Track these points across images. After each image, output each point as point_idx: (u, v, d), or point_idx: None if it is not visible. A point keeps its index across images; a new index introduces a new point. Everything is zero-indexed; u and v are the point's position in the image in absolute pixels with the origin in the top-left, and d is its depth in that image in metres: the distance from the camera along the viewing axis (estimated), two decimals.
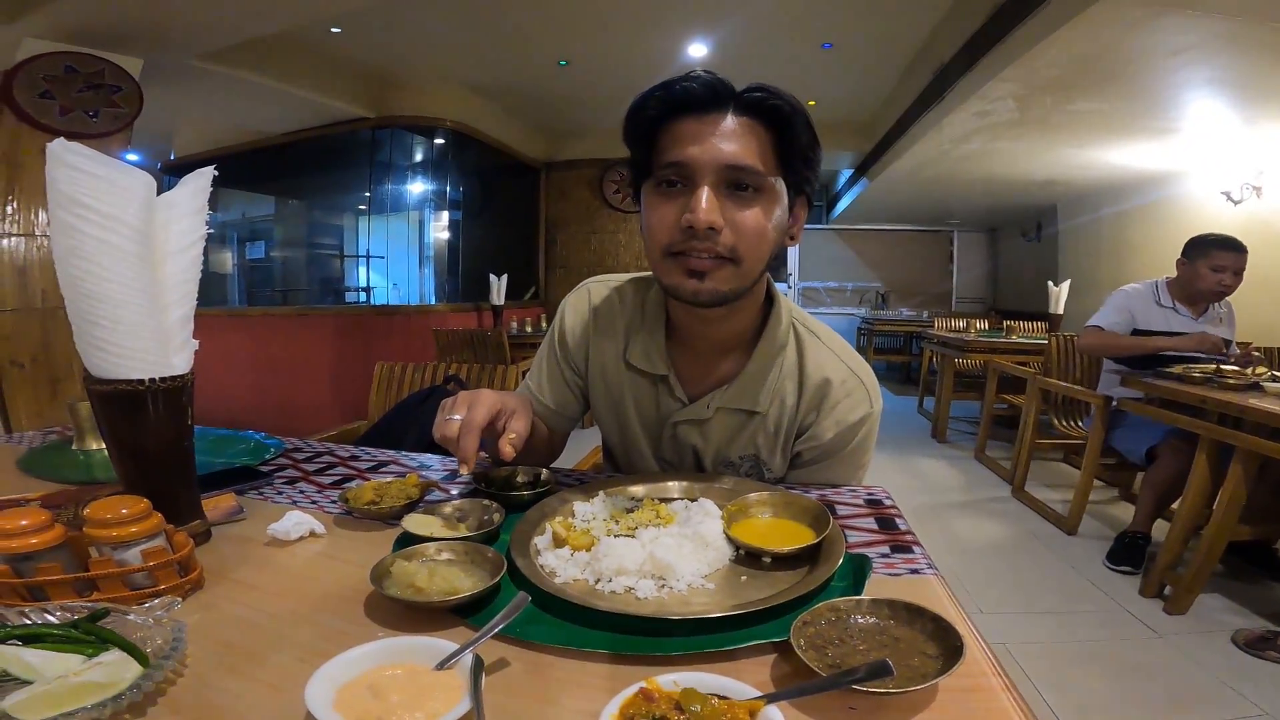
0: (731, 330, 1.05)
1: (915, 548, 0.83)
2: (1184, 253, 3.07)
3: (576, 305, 1.19)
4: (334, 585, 0.72)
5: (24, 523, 0.66)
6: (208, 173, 0.82)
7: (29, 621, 0.59)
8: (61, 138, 0.72)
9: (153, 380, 0.75)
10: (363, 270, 6.87)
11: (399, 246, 6.62)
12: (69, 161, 0.70)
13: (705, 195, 0.88)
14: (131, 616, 0.60)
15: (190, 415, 0.80)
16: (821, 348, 1.08)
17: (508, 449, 0.90)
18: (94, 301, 0.72)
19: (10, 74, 3.24)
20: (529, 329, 6.01)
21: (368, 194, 6.62)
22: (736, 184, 0.90)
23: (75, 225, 0.71)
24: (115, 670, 0.52)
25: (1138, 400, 2.89)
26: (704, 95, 0.90)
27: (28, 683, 0.51)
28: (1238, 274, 2.96)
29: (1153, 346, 3.05)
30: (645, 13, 4.48)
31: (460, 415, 0.90)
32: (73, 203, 0.71)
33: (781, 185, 0.93)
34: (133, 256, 0.73)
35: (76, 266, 0.72)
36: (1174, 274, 3.16)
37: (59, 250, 0.72)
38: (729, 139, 0.89)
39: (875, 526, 0.90)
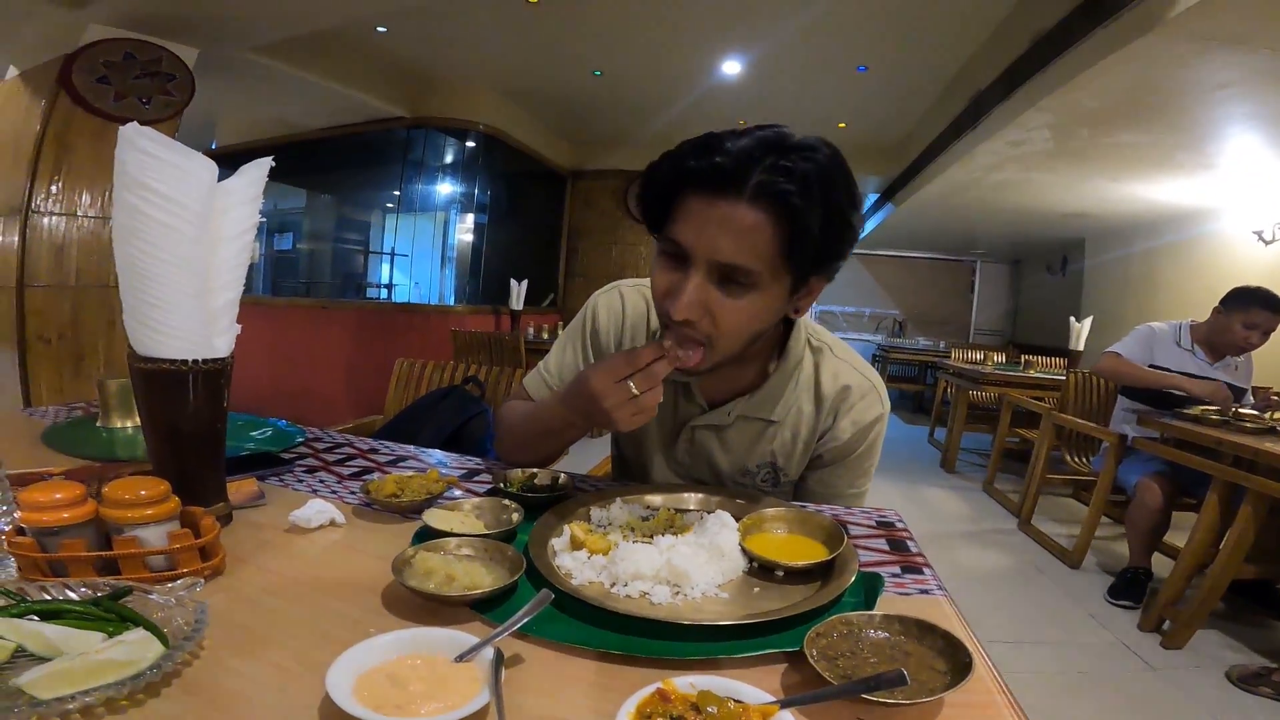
0: (750, 346, 1.06)
1: (926, 569, 0.84)
2: (1223, 301, 3.03)
3: (610, 306, 1.21)
4: (352, 574, 0.73)
5: (58, 496, 0.65)
6: (265, 163, 0.84)
7: (49, 597, 0.58)
8: (134, 122, 0.74)
9: (195, 361, 0.76)
10: (386, 267, 6.93)
11: (423, 245, 6.67)
12: (140, 146, 0.72)
13: (691, 287, 0.85)
14: (154, 596, 0.59)
15: (226, 398, 0.82)
16: (835, 359, 1.13)
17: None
18: (147, 281, 0.74)
19: (71, 58, 3.32)
20: (545, 335, 6.03)
21: (397, 192, 6.69)
22: (727, 278, 0.86)
23: (139, 207, 0.73)
24: (137, 649, 0.51)
25: (1153, 439, 2.87)
26: (714, 179, 0.83)
27: (44, 659, 0.50)
28: (1267, 334, 2.94)
29: (1169, 383, 3.05)
30: (681, 28, 4.52)
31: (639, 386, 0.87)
32: (139, 186, 0.72)
33: (786, 274, 0.88)
34: (190, 240, 0.75)
35: (135, 246, 0.73)
36: (1200, 317, 3.14)
37: (120, 230, 0.74)
38: (729, 233, 0.83)
39: (886, 548, 0.91)
